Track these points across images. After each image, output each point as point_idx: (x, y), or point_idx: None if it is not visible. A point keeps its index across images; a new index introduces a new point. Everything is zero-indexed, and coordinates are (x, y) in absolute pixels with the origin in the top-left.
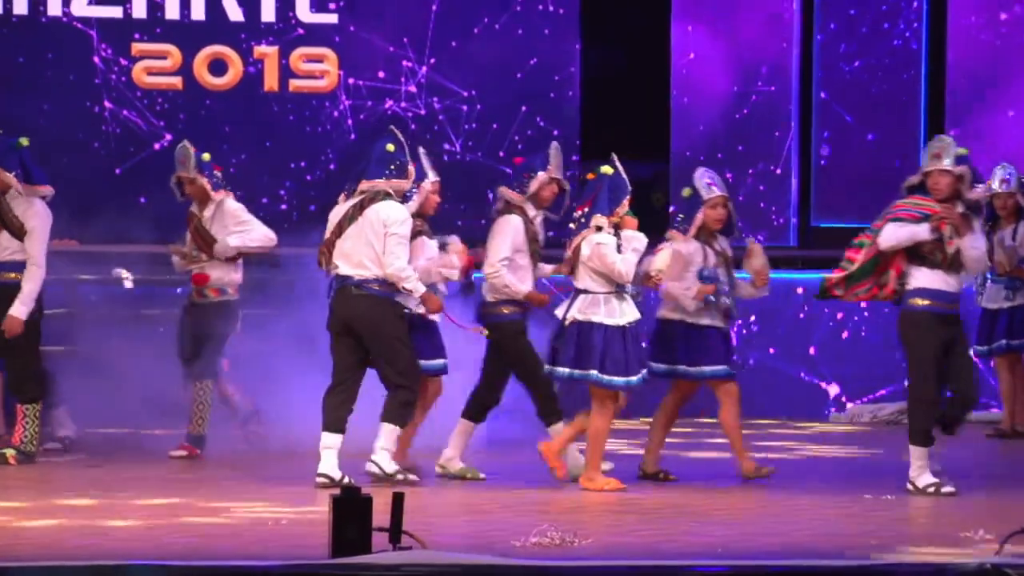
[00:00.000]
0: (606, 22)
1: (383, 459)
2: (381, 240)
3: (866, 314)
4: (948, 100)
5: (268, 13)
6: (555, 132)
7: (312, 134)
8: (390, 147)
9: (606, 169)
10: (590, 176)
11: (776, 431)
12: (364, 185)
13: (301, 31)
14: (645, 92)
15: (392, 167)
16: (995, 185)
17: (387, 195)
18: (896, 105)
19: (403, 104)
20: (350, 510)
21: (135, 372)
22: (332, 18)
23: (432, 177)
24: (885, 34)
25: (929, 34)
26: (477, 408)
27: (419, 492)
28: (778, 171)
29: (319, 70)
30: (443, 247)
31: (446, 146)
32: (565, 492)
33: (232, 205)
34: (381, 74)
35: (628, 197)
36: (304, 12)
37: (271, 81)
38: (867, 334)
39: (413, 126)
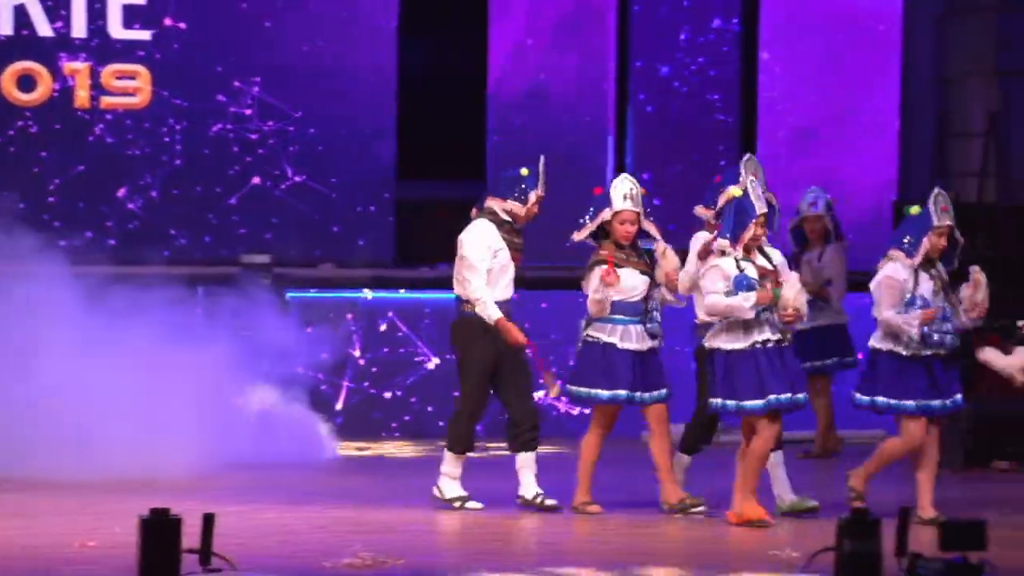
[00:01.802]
0: (426, 35)
1: (444, 483)
2: (459, 262)
3: None
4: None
5: (79, 28)
6: (372, 152)
7: (132, 157)
8: (524, 171)
9: (735, 191)
10: (597, 191)
11: None
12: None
13: (114, 46)
14: (464, 111)
15: (517, 189)
16: (803, 208)
17: (492, 214)
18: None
19: (230, 126)
20: (159, 532)
21: None
22: (145, 35)
23: (621, 206)
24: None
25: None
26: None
27: (233, 513)
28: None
29: (132, 87)
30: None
31: (275, 171)
32: (377, 513)
33: None
34: (217, 96)
35: (755, 220)
36: (116, 28)
37: (82, 99)
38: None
39: (235, 147)
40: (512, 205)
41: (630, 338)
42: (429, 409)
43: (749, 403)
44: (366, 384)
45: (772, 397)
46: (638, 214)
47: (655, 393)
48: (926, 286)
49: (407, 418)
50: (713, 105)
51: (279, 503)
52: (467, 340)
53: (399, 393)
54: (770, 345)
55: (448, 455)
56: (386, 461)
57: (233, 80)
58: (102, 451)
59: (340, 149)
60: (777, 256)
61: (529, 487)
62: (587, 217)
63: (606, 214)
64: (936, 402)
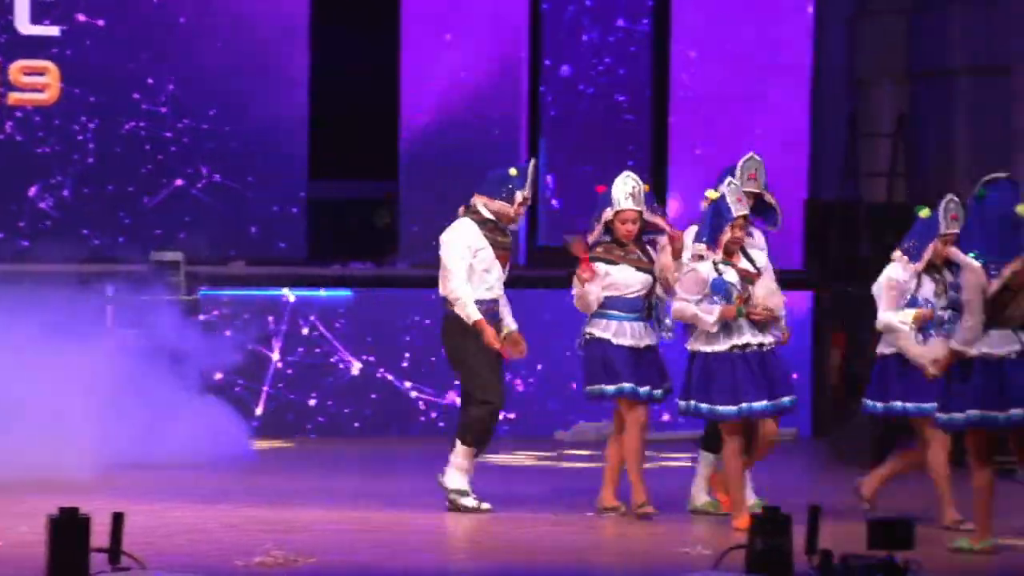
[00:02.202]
0: (339, 34)
1: (449, 474)
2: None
3: None
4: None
5: None
6: (284, 151)
7: (43, 155)
8: (512, 171)
9: (712, 194)
10: (600, 189)
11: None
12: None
13: (23, 42)
14: (377, 111)
15: (504, 189)
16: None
17: (476, 213)
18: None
19: (143, 124)
20: (68, 531)
21: None
22: (54, 30)
23: (623, 205)
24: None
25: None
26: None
27: (144, 512)
28: None
29: (41, 83)
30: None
31: (188, 170)
32: (288, 511)
33: None
34: (131, 93)
35: (731, 223)
36: (24, 24)
37: None
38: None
39: (148, 146)
40: (499, 205)
41: (624, 334)
42: (346, 410)
43: (722, 408)
44: (281, 386)
45: (745, 405)
46: (640, 212)
47: (655, 392)
48: (928, 288)
49: (321, 419)
50: (621, 105)
51: (191, 502)
52: (459, 335)
53: (315, 392)
54: (750, 350)
55: (461, 448)
56: (300, 460)
57: (147, 78)
58: (6, 450)
59: (253, 148)
60: (761, 259)
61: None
62: (593, 218)
63: (608, 213)
64: None
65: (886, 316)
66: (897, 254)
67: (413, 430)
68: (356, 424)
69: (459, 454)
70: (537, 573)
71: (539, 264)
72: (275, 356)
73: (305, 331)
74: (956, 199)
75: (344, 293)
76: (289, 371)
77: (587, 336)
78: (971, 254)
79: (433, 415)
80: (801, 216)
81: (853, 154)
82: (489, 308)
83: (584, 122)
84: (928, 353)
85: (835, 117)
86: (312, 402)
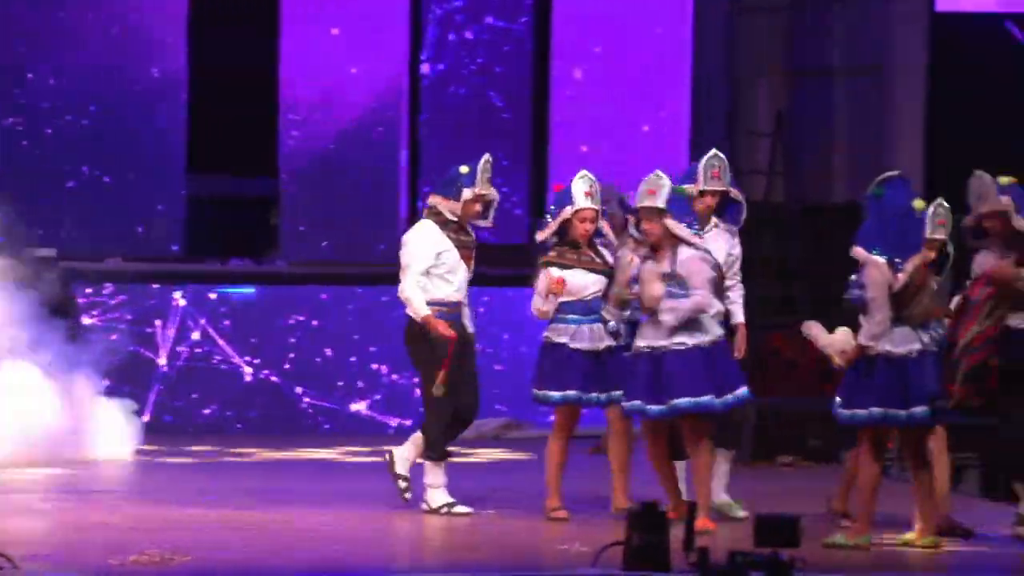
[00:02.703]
0: (219, 30)
1: (430, 496)
2: None
3: None
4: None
5: None
6: (164, 147)
7: None
8: (463, 168)
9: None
10: (557, 187)
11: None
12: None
13: None
14: (257, 107)
15: (454, 188)
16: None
17: (437, 215)
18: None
19: (22, 119)
20: None
21: None
22: None
23: (581, 204)
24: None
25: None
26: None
27: (21, 511)
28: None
29: None
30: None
31: (67, 166)
32: (166, 510)
33: None
34: (11, 89)
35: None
36: None
37: None
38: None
39: (25, 141)
40: (451, 204)
41: (583, 338)
42: (228, 413)
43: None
44: (160, 387)
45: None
46: (597, 211)
47: (614, 394)
48: None
49: (202, 418)
50: (494, 104)
51: (66, 500)
52: (415, 339)
53: (196, 392)
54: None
55: (429, 466)
56: (181, 460)
57: (27, 73)
58: None
59: (132, 144)
60: (720, 256)
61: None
62: (548, 216)
63: (567, 212)
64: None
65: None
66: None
67: (296, 430)
68: (239, 425)
69: (429, 473)
70: (410, 570)
71: None
72: (157, 355)
73: (189, 329)
74: (946, 204)
75: (230, 291)
76: (167, 370)
77: (546, 340)
78: (873, 251)
79: (320, 418)
80: None
81: (732, 152)
82: (456, 311)
83: (462, 121)
84: (836, 344)
85: (715, 115)
86: (195, 401)
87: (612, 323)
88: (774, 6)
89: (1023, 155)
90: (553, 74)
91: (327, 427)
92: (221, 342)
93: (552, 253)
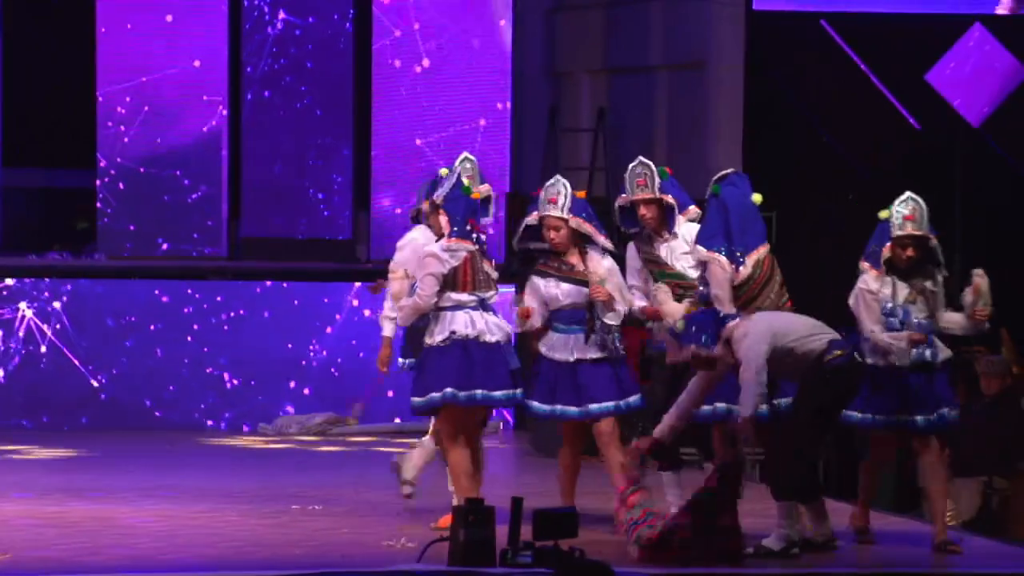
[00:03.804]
0: (34, 21)
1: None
2: None
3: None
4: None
5: None
6: None
7: None
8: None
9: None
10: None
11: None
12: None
13: None
14: (72, 97)
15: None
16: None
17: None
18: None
19: None
20: None
21: None
22: None
23: (543, 211)
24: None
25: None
26: None
27: None
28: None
29: None
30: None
31: None
32: None
33: None
34: None
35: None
36: None
37: None
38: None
39: None
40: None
41: (559, 348)
42: (50, 404)
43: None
44: None
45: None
46: (565, 220)
47: (592, 407)
48: (901, 294)
49: (27, 415)
50: (318, 100)
51: None
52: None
53: (21, 387)
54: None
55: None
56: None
57: None
58: None
59: None
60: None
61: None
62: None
63: (533, 218)
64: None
65: (877, 335)
66: (865, 265)
67: (124, 425)
68: (65, 428)
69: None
70: (230, 566)
71: (241, 255)
72: None
73: (17, 323)
74: (914, 198)
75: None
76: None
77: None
78: (715, 249)
79: (157, 413)
80: (505, 210)
81: (554, 148)
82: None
83: (282, 117)
84: (676, 310)
85: (535, 111)
86: (17, 397)
87: (596, 336)
88: (594, 2)
89: (835, 149)
90: (374, 71)
91: (158, 414)
92: (51, 335)
93: (541, 262)
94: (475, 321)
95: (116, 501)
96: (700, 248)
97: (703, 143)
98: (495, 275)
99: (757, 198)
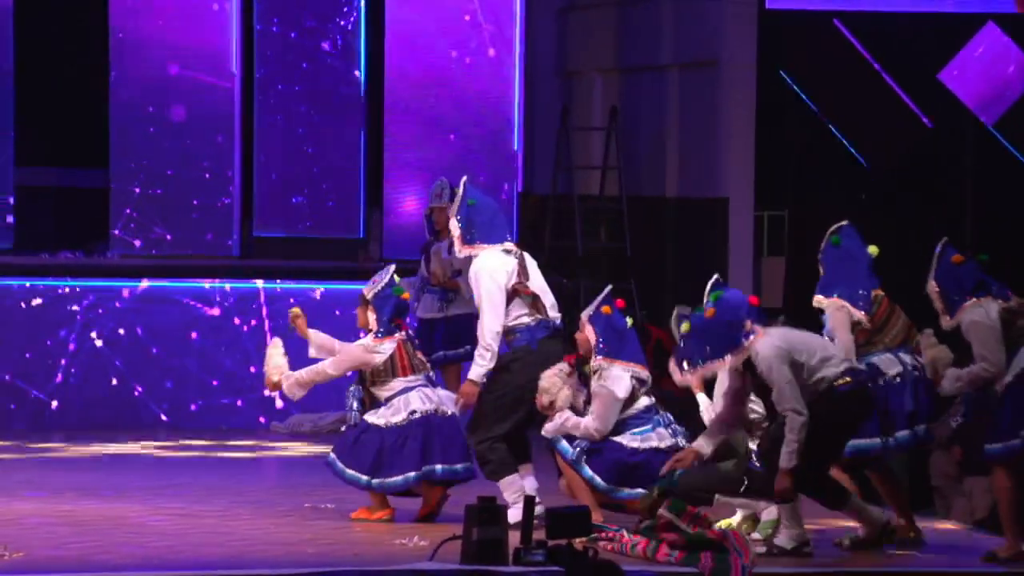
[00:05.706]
0: (48, 20)
1: None
2: None
3: None
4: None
5: None
6: None
7: None
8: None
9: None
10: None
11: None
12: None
13: None
14: (85, 96)
15: None
16: (432, 198)
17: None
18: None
19: None
20: None
21: None
22: None
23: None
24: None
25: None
26: None
27: None
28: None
29: None
30: None
31: None
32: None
33: None
34: None
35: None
36: None
37: None
38: None
39: None
40: None
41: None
42: (54, 404)
43: None
44: None
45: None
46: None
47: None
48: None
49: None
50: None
51: None
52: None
53: (30, 387)
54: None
55: None
56: (11, 455)
57: None
58: None
59: None
60: None
61: None
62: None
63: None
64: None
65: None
66: (984, 300)
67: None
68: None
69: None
70: (244, 565)
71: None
72: None
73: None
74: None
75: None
76: None
77: None
78: (834, 294)
79: (160, 414)
80: (516, 209)
81: (566, 147)
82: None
83: (293, 122)
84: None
85: (547, 110)
86: (27, 396)
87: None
88: (606, 1)
89: (847, 148)
90: (387, 68)
91: (165, 419)
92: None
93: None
94: (430, 396)
95: (128, 500)
96: (818, 296)
97: (715, 142)
98: (424, 359)
99: (874, 249)
